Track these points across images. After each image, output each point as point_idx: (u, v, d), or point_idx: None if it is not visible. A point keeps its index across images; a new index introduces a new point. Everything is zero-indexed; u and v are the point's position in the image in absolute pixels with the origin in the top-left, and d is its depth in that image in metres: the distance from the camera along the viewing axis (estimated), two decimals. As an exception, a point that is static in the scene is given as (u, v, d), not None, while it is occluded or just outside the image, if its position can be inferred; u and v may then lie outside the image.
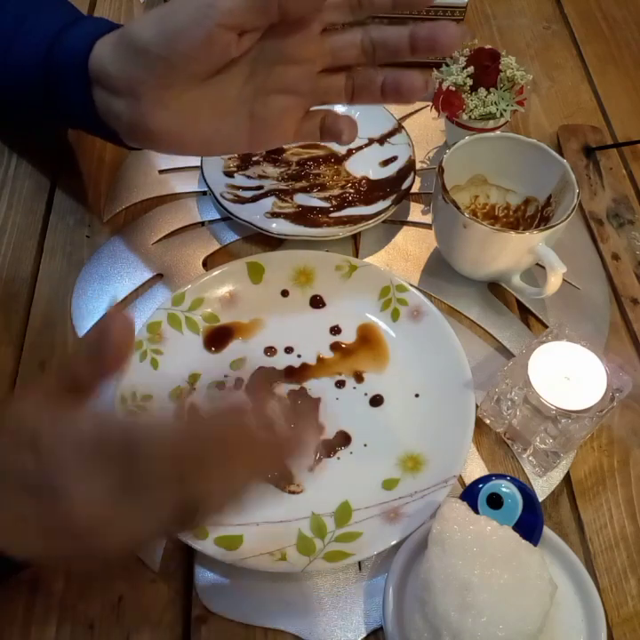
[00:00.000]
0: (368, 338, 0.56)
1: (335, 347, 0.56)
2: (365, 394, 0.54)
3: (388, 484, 0.50)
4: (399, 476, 0.50)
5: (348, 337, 0.57)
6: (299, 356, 0.55)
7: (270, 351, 0.56)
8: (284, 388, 0.54)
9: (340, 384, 0.54)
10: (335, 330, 0.57)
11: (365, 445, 0.52)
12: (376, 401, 0.53)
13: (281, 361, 0.55)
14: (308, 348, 0.56)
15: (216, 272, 0.57)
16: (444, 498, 0.47)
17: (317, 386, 0.54)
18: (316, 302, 0.58)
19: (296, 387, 0.54)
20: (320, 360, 0.55)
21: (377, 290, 0.58)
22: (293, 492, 0.49)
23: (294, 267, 0.59)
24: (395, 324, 0.57)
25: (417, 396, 0.54)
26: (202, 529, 0.46)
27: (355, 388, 0.54)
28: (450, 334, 0.55)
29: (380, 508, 0.48)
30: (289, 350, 0.56)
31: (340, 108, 0.60)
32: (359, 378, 0.55)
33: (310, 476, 0.50)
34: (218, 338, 0.56)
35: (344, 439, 0.52)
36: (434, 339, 0.55)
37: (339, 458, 0.51)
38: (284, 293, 0.58)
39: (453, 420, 0.51)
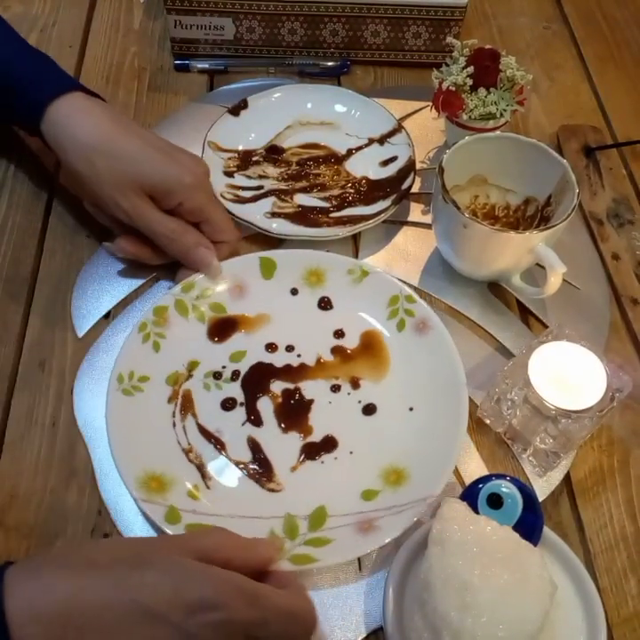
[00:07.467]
0: (370, 345, 0.56)
1: (336, 350, 0.56)
2: (359, 401, 0.53)
3: (368, 495, 0.49)
4: (380, 488, 0.49)
5: (351, 342, 0.56)
6: (299, 355, 0.55)
7: (271, 347, 0.56)
8: (278, 386, 0.54)
9: (336, 388, 0.54)
10: (339, 333, 0.57)
11: (351, 453, 0.51)
12: (369, 410, 0.53)
13: (280, 358, 0.55)
14: (308, 349, 0.56)
15: (228, 263, 0.57)
16: (444, 498, 0.47)
17: (312, 387, 0.54)
18: (324, 304, 0.58)
19: (291, 386, 0.54)
20: (319, 362, 0.55)
21: (386, 298, 0.57)
22: (273, 490, 0.49)
23: (306, 266, 0.58)
24: (399, 334, 0.56)
25: (411, 409, 0.53)
26: (175, 513, 0.46)
27: (349, 394, 0.54)
28: (452, 351, 0.53)
29: (356, 517, 0.47)
30: (290, 349, 0.56)
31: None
32: (355, 384, 0.54)
33: (291, 475, 0.50)
34: (222, 328, 0.56)
35: (330, 444, 0.51)
36: (436, 354, 0.54)
37: (322, 462, 0.51)
38: (294, 292, 0.58)
39: (442, 439, 0.50)
